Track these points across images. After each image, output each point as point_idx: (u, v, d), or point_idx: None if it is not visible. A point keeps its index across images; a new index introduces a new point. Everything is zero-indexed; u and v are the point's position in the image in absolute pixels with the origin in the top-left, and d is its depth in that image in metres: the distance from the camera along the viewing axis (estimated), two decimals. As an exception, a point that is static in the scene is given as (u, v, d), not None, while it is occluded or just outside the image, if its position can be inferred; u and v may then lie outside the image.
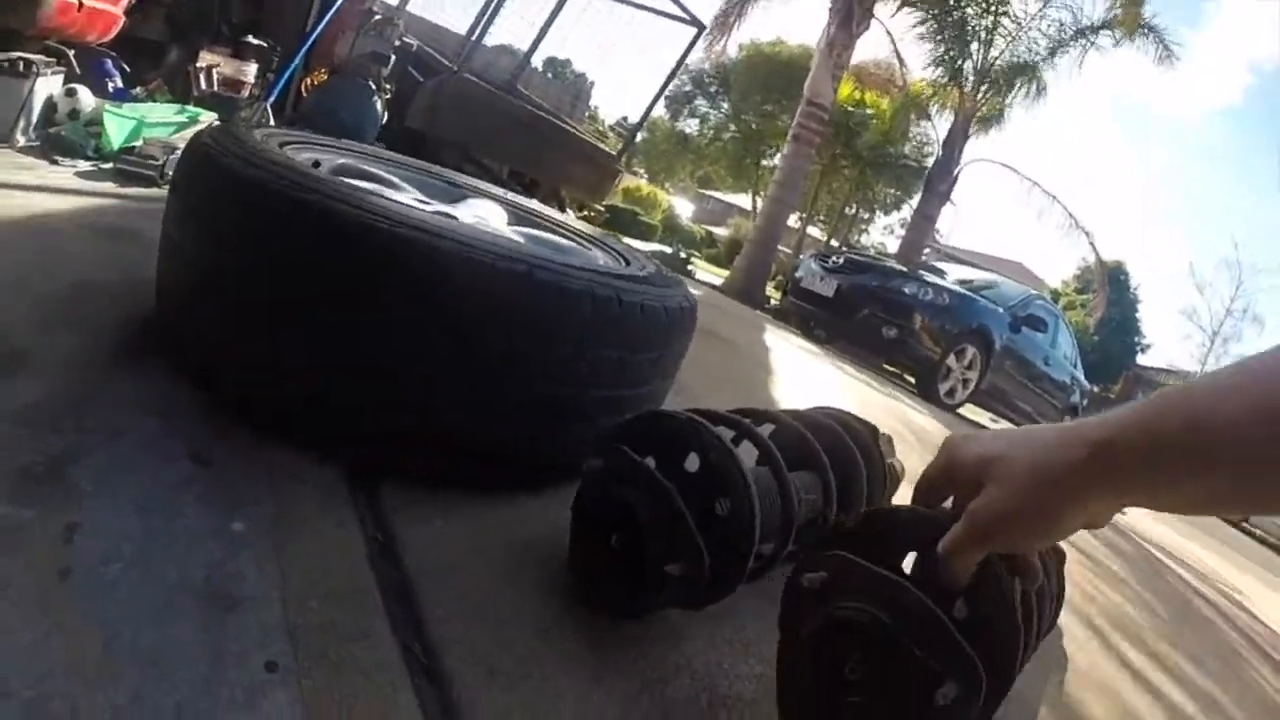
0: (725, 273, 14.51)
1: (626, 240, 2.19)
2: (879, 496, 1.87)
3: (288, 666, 0.93)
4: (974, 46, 14.62)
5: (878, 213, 26.62)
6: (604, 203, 8.96)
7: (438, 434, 1.34)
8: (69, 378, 1.37)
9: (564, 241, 2.00)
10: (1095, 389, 16.13)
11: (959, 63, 14.66)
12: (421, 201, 1.78)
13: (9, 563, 0.94)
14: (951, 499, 0.83)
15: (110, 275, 1.99)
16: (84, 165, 3.35)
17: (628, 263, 1.79)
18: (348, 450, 1.36)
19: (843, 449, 1.57)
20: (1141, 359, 35.41)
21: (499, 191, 2.39)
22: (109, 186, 3.15)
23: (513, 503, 1.47)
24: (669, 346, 1.56)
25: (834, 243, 22.10)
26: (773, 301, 11.53)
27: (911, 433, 4.19)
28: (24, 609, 0.88)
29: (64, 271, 1.91)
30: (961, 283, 8.60)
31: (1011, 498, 0.70)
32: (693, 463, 1.18)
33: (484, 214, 2.01)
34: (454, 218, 1.68)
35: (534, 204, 2.41)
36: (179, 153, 3.43)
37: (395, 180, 1.93)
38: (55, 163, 3.26)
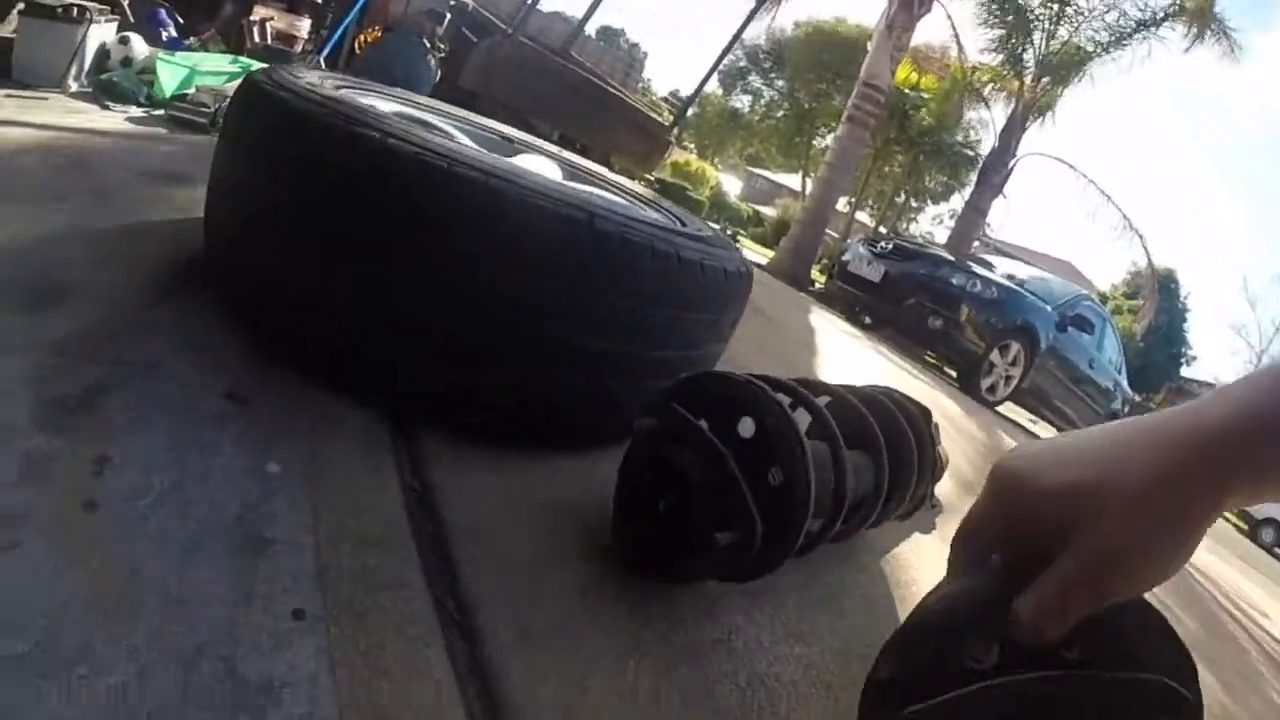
0: (770, 253, 14.38)
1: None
2: (928, 481, 1.80)
3: (315, 614, 0.89)
4: (1036, 36, 14.29)
5: (927, 201, 26.25)
6: (653, 174, 8.89)
7: (486, 384, 1.30)
8: (110, 312, 1.35)
9: (617, 199, 1.93)
10: (1137, 397, 15.83)
11: (1020, 50, 14.35)
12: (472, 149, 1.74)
13: (35, 492, 0.92)
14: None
15: (160, 215, 1.98)
16: (136, 111, 3.37)
17: (684, 224, 1.73)
18: (394, 396, 1.32)
19: (898, 429, 1.51)
20: (1185, 371, 34.67)
21: (552, 148, 2.34)
22: (160, 132, 3.16)
23: (555, 461, 1.42)
24: (725, 310, 1.50)
25: (882, 229, 21.81)
26: (818, 284, 11.40)
27: (951, 425, 4.10)
28: (46, 539, 0.86)
29: (113, 212, 1.90)
30: (1010, 278, 8.43)
31: (1135, 532, 0.53)
32: (746, 428, 1.13)
33: (539, 167, 1.95)
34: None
35: (587, 162, 2.35)
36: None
37: (449, 130, 1.88)
38: (107, 108, 3.28)
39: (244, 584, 0.90)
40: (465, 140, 1.85)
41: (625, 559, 1.21)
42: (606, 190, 2.05)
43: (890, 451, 1.41)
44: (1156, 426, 0.56)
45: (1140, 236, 16.77)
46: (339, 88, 1.66)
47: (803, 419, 1.20)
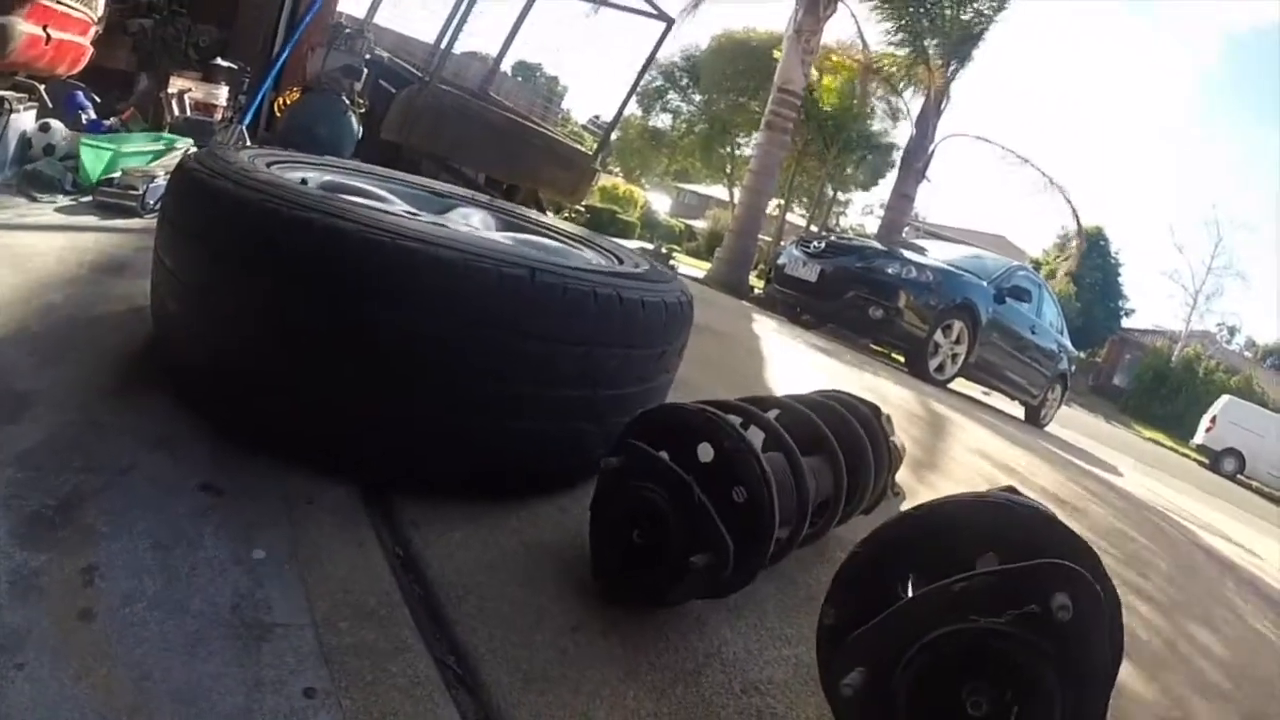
0: (706, 265, 14.51)
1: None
2: (885, 474, 1.88)
3: (326, 690, 0.93)
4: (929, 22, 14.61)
5: (855, 193, 26.69)
6: (582, 203, 8.94)
7: (451, 444, 1.34)
8: (72, 416, 1.35)
9: (554, 244, 1.99)
10: (1082, 355, 16.20)
11: (921, 39, 14.67)
12: (411, 214, 1.78)
13: (29, 610, 0.92)
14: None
15: (102, 308, 1.97)
16: (63, 200, 3.31)
17: (620, 261, 1.79)
18: (365, 469, 1.35)
19: (849, 430, 1.58)
20: (1126, 322, 35.43)
21: (484, 198, 2.38)
22: (91, 220, 3.11)
23: (527, 507, 1.47)
24: (670, 342, 1.57)
25: (814, 227, 22.08)
26: (757, 290, 11.52)
27: (903, 411, 4.20)
28: (49, 655, 0.87)
29: (57, 309, 1.89)
30: (944, 259, 8.62)
31: None
32: (705, 453, 1.19)
33: (474, 222, 2.00)
34: (446, 228, 1.67)
35: (520, 209, 2.40)
36: (159, 180, 3.43)
37: (382, 194, 1.92)
38: (34, 199, 3.21)
39: (252, 671, 0.92)
40: (398, 202, 1.89)
41: (607, 593, 1.25)
42: (541, 235, 2.10)
43: (845, 452, 1.48)
44: None
45: (1061, 190, 17.12)
46: (271, 164, 1.69)
47: (757, 435, 1.27)
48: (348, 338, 1.24)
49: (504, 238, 1.89)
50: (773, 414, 1.39)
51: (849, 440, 1.53)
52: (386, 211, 1.48)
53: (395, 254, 1.19)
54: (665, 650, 1.20)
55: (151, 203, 3.35)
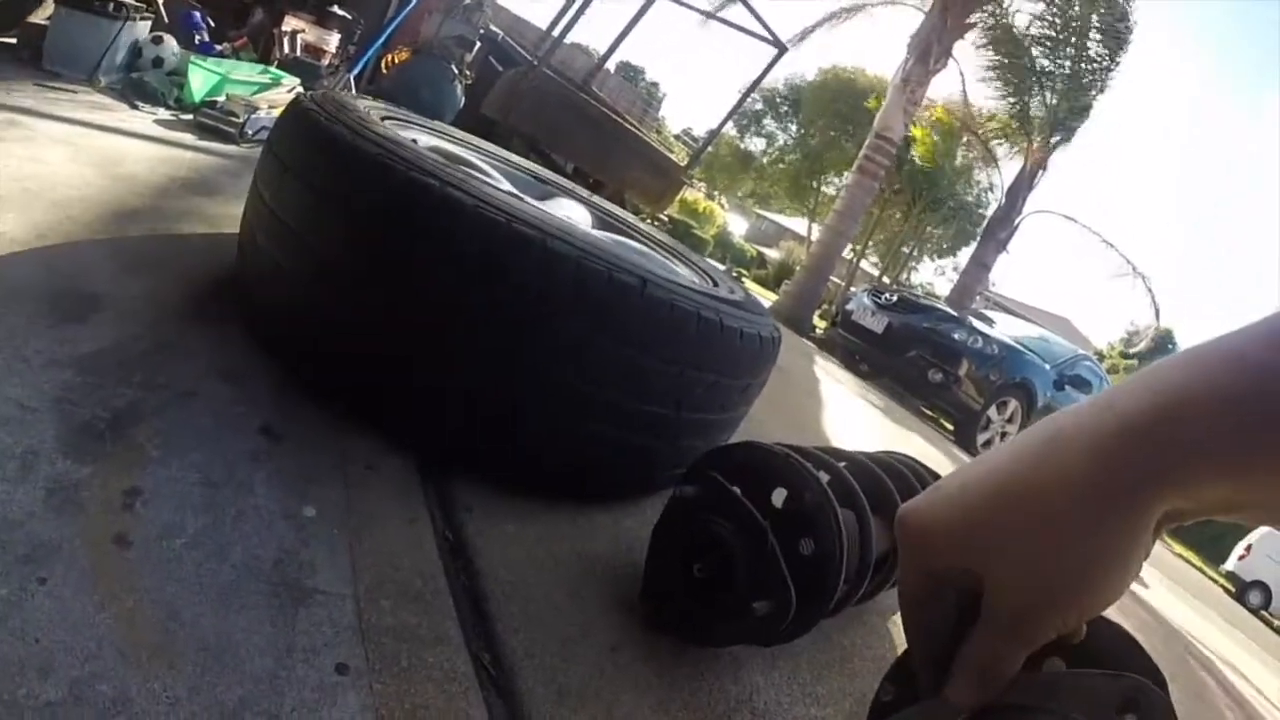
0: (772, 295, 14.42)
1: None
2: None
3: (359, 669, 0.89)
4: (1046, 95, 14.43)
5: (931, 255, 26.36)
6: (664, 212, 8.92)
7: (528, 439, 1.31)
8: (139, 329, 1.34)
9: (649, 251, 1.95)
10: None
11: (1028, 108, 14.49)
12: (515, 195, 1.75)
13: (63, 525, 0.89)
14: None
15: (188, 228, 1.98)
16: (163, 114, 3.36)
17: (715, 283, 1.75)
18: (434, 444, 1.33)
19: (913, 494, 1.51)
20: None
21: (583, 192, 2.35)
22: (188, 138, 3.16)
23: (584, 514, 1.43)
24: (757, 375, 1.53)
25: (885, 279, 21.87)
26: (818, 330, 11.43)
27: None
28: (76, 575, 0.83)
29: (142, 219, 1.89)
30: (1011, 335, 8.47)
31: (1044, 571, 0.44)
32: (778, 497, 1.15)
33: (571, 214, 1.97)
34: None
35: (617, 209, 2.37)
36: (261, 113, 3.47)
37: (487, 169, 1.89)
38: (135, 107, 3.27)
39: (285, 635, 0.89)
40: (503, 181, 1.86)
41: (653, 619, 1.22)
42: (637, 240, 2.06)
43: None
44: (1048, 436, 0.45)
45: (1144, 279, 16.74)
46: (385, 119, 1.67)
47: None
48: (440, 309, 1.22)
49: (603, 237, 1.86)
50: (844, 465, 1.34)
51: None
52: (498, 189, 1.45)
53: (509, 237, 1.16)
54: (700, 689, 1.16)
55: (250, 133, 3.40)
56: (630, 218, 2.31)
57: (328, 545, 1.06)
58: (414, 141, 1.67)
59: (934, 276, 29.11)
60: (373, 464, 1.27)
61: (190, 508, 1.00)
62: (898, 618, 1.75)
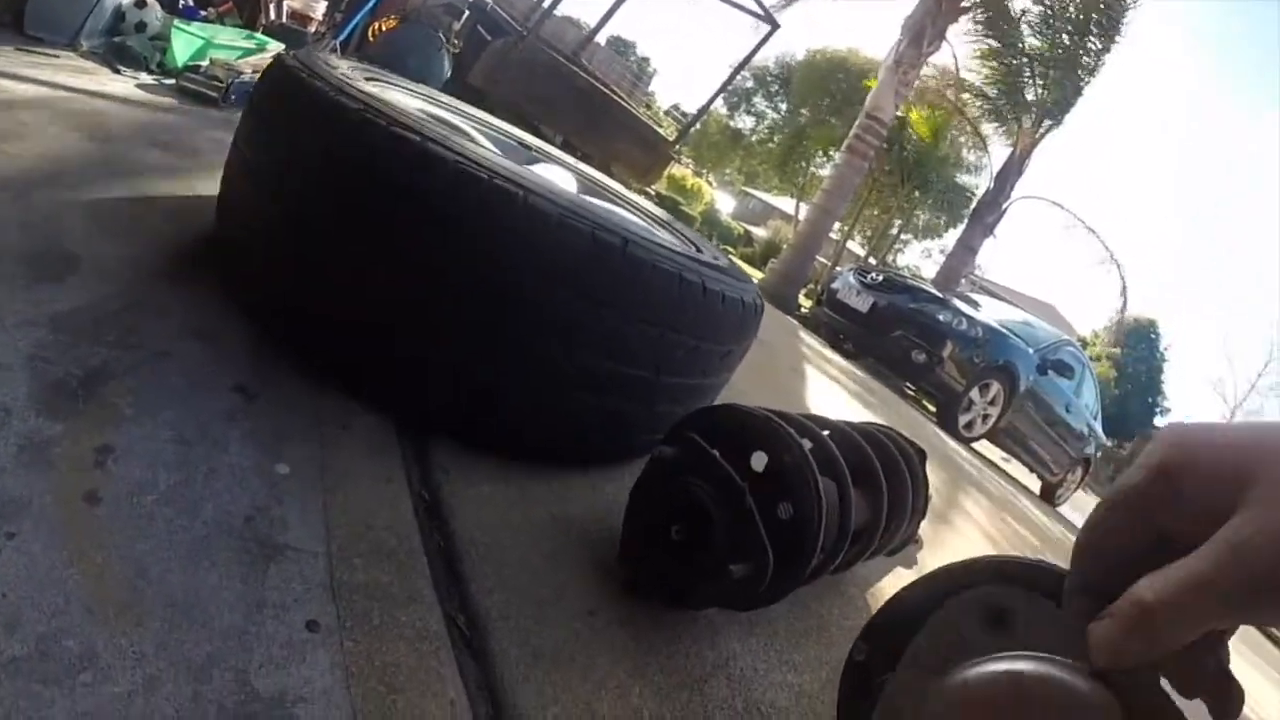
0: (758, 274, 14.43)
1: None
2: (917, 519, 1.83)
3: (329, 626, 0.88)
4: (1037, 80, 14.42)
5: (918, 236, 26.40)
6: (651, 187, 8.88)
7: (505, 399, 1.30)
8: (116, 289, 1.32)
9: (633, 218, 1.93)
10: (1110, 444, 15.91)
11: (1021, 92, 14.48)
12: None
13: (33, 480, 0.87)
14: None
15: (168, 189, 1.95)
16: (146, 78, 3.32)
17: (699, 249, 1.73)
18: (410, 405, 1.31)
19: (895, 468, 1.52)
20: (1160, 421, 34.66)
21: (568, 159, 2.33)
22: (170, 101, 3.11)
23: (560, 478, 1.42)
24: (739, 341, 1.52)
25: (872, 259, 21.90)
26: (804, 309, 11.43)
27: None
28: (45, 530, 0.82)
29: (121, 180, 1.87)
30: (996, 319, 8.50)
31: None
32: (758, 461, 1.14)
33: (556, 179, 1.95)
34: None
35: (603, 177, 2.34)
36: (245, 77, 3.42)
37: (471, 133, 1.87)
38: (118, 72, 3.22)
39: (255, 591, 0.88)
40: (487, 145, 1.84)
41: (630, 582, 1.21)
42: (622, 207, 2.04)
43: (889, 489, 1.42)
44: None
45: (1119, 265, 17.01)
46: (368, 79, 1.64)
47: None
48: (419, 267, 1.20)
49: (587, 199, 1.84)
50: (827, 434, 1.33)
51: (894, 478, 1.48)
52: (480, 147, 1.43)
53: (490, 192, 1.14)
54: (676, 653, 1.16)
55: (234, 97, 3.35)
56: (616, 185, 2.30)
57: (300, 502, 1.04)
58: (398, 103, 1.65)
59: (920, 259, 29.22)
60: (348, 423, 1.25)
61: (162, 465, 0.99)
62: (876, 590, 1.77)
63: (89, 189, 1.70)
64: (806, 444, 1.18)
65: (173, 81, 3.36)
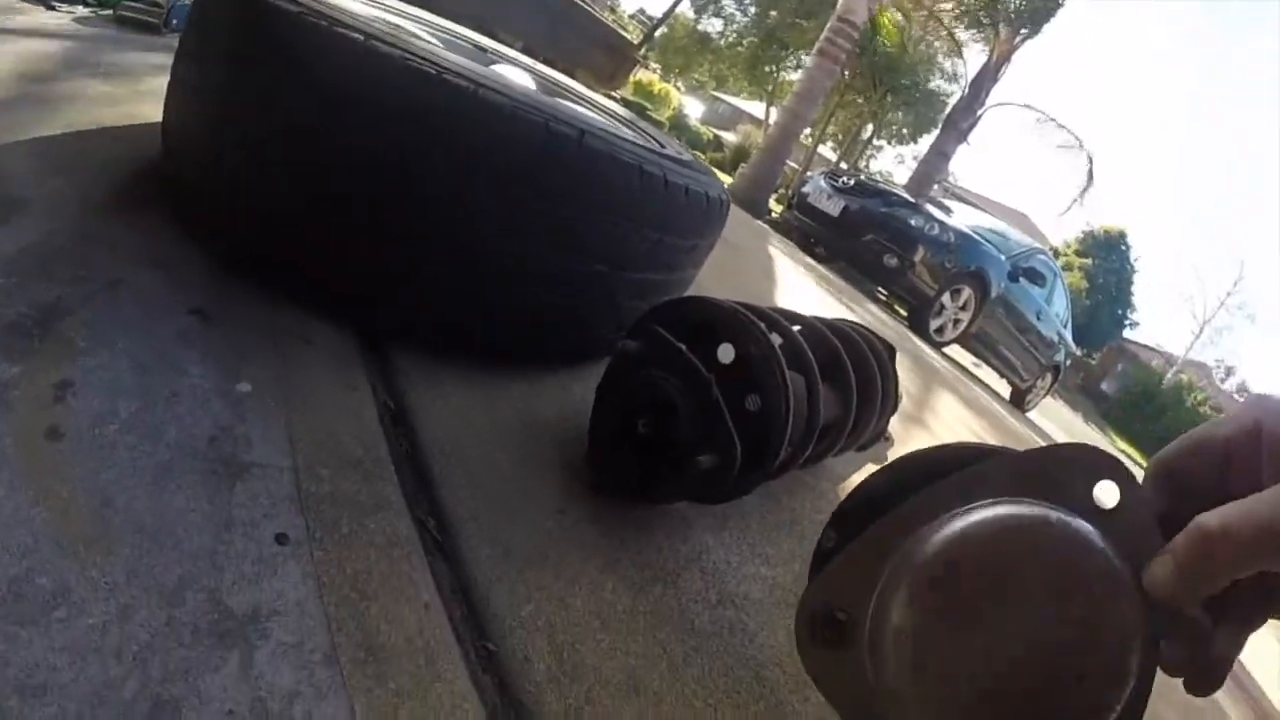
0: (728, 178, 14.30)
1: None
2: (887, 415, 1.85)
3: (298, 539, 0.87)
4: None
5: (891, 141, 26.16)
6: (616, 93, 8.70)
7: (464, 301, 1.27)
8: (65, 224, 1.27)
9: (594, 116, 1.89)
10: (1079, 353, 16.13)
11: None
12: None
13: None
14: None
15: (111, 120, 1.88)
16: (82, 11, 3.16)
17: (662, 145, 1.69)
18: (369, 313, 1.29)
19: (865, 364, 1.53)
20: (1128, 333, 35.03)
21: (527, 60, 2.27)
22: (108, 33, 2.98)
23: (527, 379, 1.42)
24: (704, 236, 1.49)
25: (844, 164, 21.72)
26: (774, 214, 11.37)
27: (900, 360, 4.17)
28: (8, 472, 0.80)
29: (62, 116, 1.80)
30: (968, 224, 8.50)
31: None
32: (725, 353, 1.13)
33: (513, 79, 1.90)
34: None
35: (564, 78, 2.29)
36: (184, 1, 3.28)
37: (425, 37, 1.80)
38: (52, 8, 3.07)
39: (222, 510, 0.86)
40: (441, 46, 1.78)
41: (600, 480, 1.22)
42: (583, 107, 2.00)
43: (858, 384, 1.43)
44: None
45: (1088, 152, 16.94)
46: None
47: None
48: (371, 171, 1.15)
49: (557, 100, 1.79)
50: (796, 329, 1.33)
51: (863, 373, 1.48)
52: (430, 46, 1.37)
53: (439, 87, 1.09)
54: (648, 548, 1.17)
55: (175, 22, 3.22)
56: (578, 86, 2.24)
57: (264, 419, 1.02)
58: (345, 8, 1.59)
59: (893, 165, 29.02)
60: (309, 338, 1.23)
61: (122, 394, 0.96)
62: (847, 485, 1.79)
63: (30, 128, 1.63)
64: (776, 339, 1.17)
65: (110, 12, 3.22)
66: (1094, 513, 0.51)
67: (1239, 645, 0.48)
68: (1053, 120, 16.90)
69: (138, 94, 2.10)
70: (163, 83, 1.53)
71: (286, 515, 0.90)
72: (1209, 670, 0.48)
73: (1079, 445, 0.55)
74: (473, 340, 1.33)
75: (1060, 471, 0.54)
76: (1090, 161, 17.10)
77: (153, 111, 1.57)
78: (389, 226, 1.18)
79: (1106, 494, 0.52)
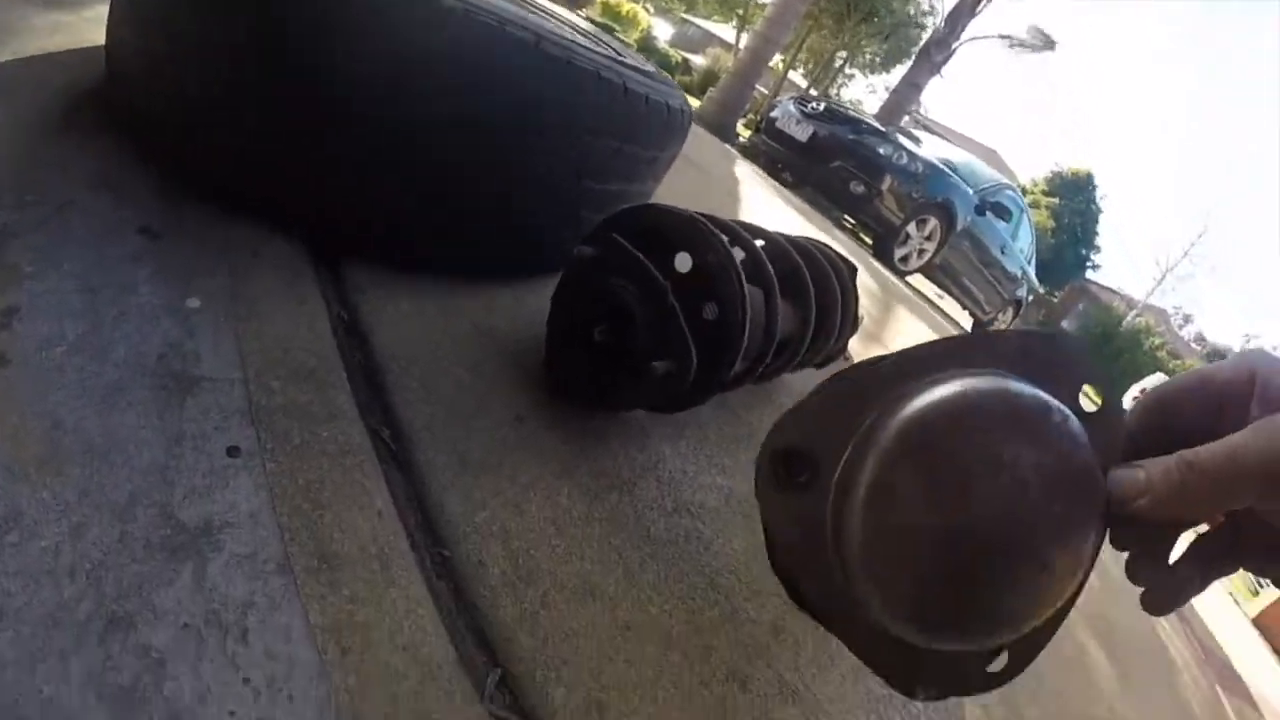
0: (696, 102, 14.10)
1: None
2: (846, 333, 1.86)
3: (250, 450, 0.87)
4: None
5: (864, 71, 25.82)
6: (582, 12, 8.48)
7: (419, 211, 1.24)
8: (11, 150, 1.22)
9: (553, 26, 1.85)
10: (1041, 289, 16.25)
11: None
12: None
13: None
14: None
15: (53, 44, 1.81)
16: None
17: (621, 55, 1.66)
18: (321, 225, 1.25)
19: (826, 281, 1.53)
20: (1091, 274, 35.19)
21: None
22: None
23: (483, 291, 1.40)
24: (664, 148, 1.47)
25: (814, 91, 21.48)
26: (742, 139, 11.25)
27: (862, 284, 4.19)
28: None
29: (6, 45, 1.73)
30: (937, 156, 8.46)
31: None
32: (683, 262, 1.12)
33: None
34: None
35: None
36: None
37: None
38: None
39: (173, 426, 0.86)
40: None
41: (556, 388, 1.22)
42: (541, 16, 1.94)
43: (818, 301, 1.43)
44: None
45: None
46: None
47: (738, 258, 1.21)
48: (318, 81, 1.10)
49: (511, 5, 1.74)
50: (759, 244, 1.32)
51: (824, 289, 1.49)
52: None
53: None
54: (604, 455, 1.18)
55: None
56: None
57: (214, 334, 1.00)
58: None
59: (865, 94, 28.74)
60: (259, 251, 1.20)
61: (69, 316, 0.94)
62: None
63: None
64: (738, 252, 1.17)
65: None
66: (1077, 411, 0.51)
67: (1201, 583, 0.51)
68: (1025, 43, 16.76)
69: (84, 21, 2.02)
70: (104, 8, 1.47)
71: (238, 428, 0.89)
72: (1167, 593, 0.51)
73: (1079, 343, 0.55)
74: (429, 253, 1.31)
75: (1056, 362, 0.54)
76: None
77: (101, 37, 1.51)
78: (339, 139, 1.14)
79: (1090, 397, 0.53)
